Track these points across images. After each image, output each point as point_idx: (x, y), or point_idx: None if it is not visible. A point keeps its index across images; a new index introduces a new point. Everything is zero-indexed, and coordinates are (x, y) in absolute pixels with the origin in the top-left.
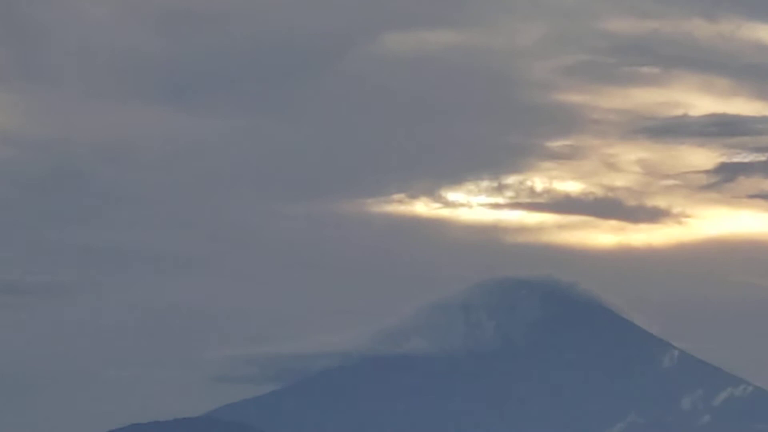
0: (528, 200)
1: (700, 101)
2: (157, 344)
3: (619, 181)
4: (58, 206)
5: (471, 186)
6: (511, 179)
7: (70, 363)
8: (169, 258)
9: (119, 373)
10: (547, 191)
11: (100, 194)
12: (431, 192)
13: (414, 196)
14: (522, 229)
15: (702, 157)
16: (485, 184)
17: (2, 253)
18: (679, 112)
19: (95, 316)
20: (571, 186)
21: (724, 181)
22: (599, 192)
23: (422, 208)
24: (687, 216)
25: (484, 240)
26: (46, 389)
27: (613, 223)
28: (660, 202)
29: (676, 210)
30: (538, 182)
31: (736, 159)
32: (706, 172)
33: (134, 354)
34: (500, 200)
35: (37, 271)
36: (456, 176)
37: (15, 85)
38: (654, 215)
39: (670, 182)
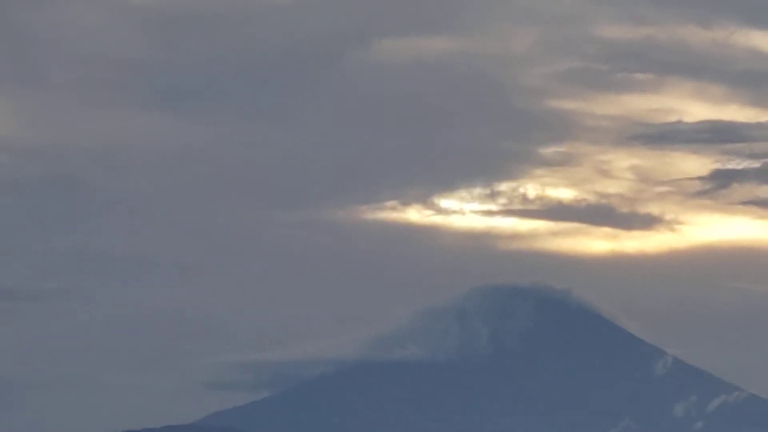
0: (521, 207)
1: (694, 108)
2: (150, 351)
3: (612, 188)
4: (53, 212)
5: (464, 193)
6: (503, 186)
7: (61, 369)
8: (163, 264)
9: (111, 380)
10: (539, 198)
11: (95, 200)
12: (424, 199)
13: (407, 203)
14: (515, 236)
15: (696, 164)
16: (478, 191)
17: None
18: (673, 118)
19: (89, 322)
20: (563, 193)
21: (718, 187)
22: (592, 199)
23: (415, 215)
24: (680, 223)
25: (477, 247)
26: (38, 395)
27: (606, 230)
28: (653, 208)
29: (668, 217)
30: (531, 189)
31: (730, 165)
32: (700, 178)
33: (127, 360)
34: (493, 207)
35: (31, 277)
36: (449, 183)
37: (9, 91)
38: (647, 222)
39: (663, 189)
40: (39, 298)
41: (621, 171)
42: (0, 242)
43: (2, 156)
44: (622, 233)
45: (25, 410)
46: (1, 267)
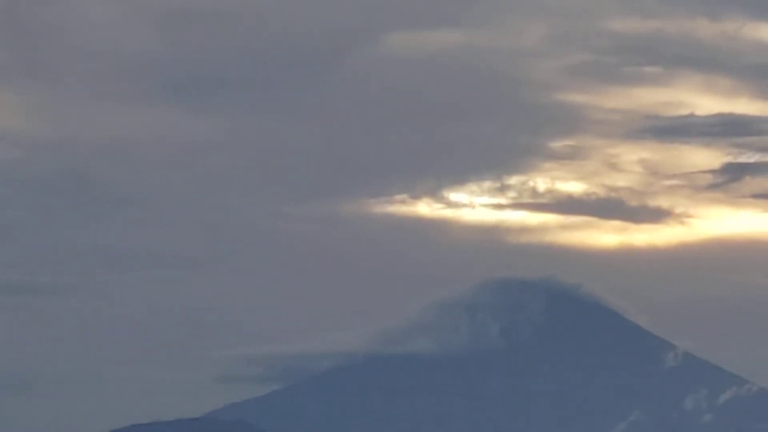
0: (530, 200)
1: (703, 101)
2: (159, 344)
3: (622, 181)
4: (62, 207)
5: (473, 186)
6: (513, 179)
7: (72, 363)
8: (172, 258)
9: (121, 373)
10: (549, 191)
11: (105, 195)
12: (434, 192)
13: (416, 197)
14: (524, 229)
15: (707, 157)
16: (488, 184)
17: (7, 254)
18: (683, 111)
19: (99, 317)
20: (573, 186)
21: (729, 181)
22: (602, 192)
23: (425, 208)
24: (690, 216)
25: (487, 240)
26: (48, 389)
27: (616, 223)
28: (663, 202)
29: (678, 210)
30: (541, 182)
31: (742, 159)
32: (712, 171)
33: (137, 354)
34: (503, 201)
35: (41, 272)
36: (458, 177)
37: (20, 85)
38: (657, 215)
39: (673, 182)
40: (50, 293)
41: (630, 164)
42: (10, 237)
43: (14, 151)
44: (632, 227)
45: (37, 404)
46: (11, 262)
